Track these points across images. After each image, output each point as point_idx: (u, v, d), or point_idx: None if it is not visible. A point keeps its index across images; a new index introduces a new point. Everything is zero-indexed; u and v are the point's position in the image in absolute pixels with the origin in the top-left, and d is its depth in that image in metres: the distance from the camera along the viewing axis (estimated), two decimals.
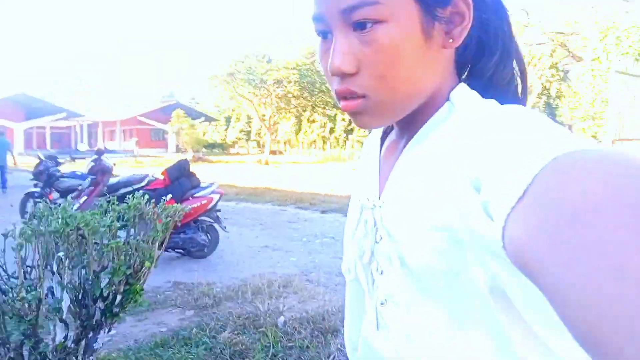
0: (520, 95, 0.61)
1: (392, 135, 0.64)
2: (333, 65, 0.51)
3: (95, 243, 2.02)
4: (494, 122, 0.45)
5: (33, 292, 1.73)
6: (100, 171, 5.32)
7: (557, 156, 0.34)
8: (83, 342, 1.96)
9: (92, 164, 5.31)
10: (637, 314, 0.24)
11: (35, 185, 6.64)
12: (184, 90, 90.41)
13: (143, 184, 5.54)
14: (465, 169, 0.45)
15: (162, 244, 4.03)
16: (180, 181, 5.43)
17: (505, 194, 0.36)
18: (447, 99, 0.56)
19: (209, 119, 41.32)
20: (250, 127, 40.45)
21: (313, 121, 28.49)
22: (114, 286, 2.03)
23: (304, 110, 27.05)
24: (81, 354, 1.95)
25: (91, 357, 2.02)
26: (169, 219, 2.41)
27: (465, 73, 0.61)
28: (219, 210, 5.84)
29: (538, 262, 0.31)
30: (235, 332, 3.20)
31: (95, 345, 2.02)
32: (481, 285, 0.45)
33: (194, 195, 5.44)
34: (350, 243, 0.66)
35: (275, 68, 22.47)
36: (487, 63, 0.58)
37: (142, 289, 2.18)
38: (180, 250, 5.52)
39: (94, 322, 2.01)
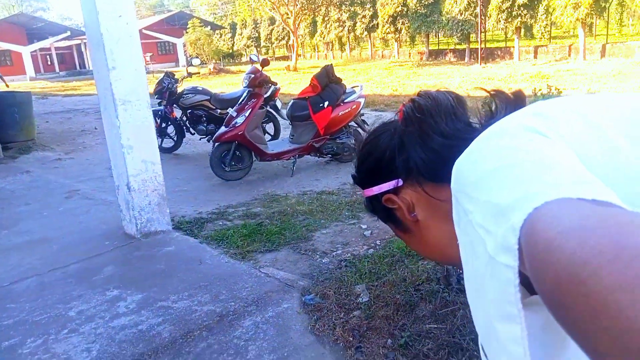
0: (495, 111, 0.67)
1: None
2: None
3: None
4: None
5: None
6: (260, 83, 5.24)
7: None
8: None
9: (252, 76, 5.22)
10: None
11: (159, 104, 6.61)
12: None
13: None
14: None
15: None
16: (331, 87, 5.39)
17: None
18: None
19: (214, 27, 39.62)
20: (258, 33, 38.80)
21: (336, 20, 27.18)
22: None
23: (328, 8, 25.85)
24: None
25: None
26: None
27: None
28: (363, 115, 5.87)
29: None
30: None
31: None
32: None
33: (345, 101, 5.44)
34: None
35: None
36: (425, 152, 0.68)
37: None
38: (330, 156, 5.64)
39: None
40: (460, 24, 20.01)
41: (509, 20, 18.24)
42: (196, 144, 7.16)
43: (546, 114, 0.51)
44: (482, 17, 18.98)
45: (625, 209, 0.34)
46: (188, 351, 2.27)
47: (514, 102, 0.66)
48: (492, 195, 0.42)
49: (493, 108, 0.68)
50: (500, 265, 0.39)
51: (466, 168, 0.50)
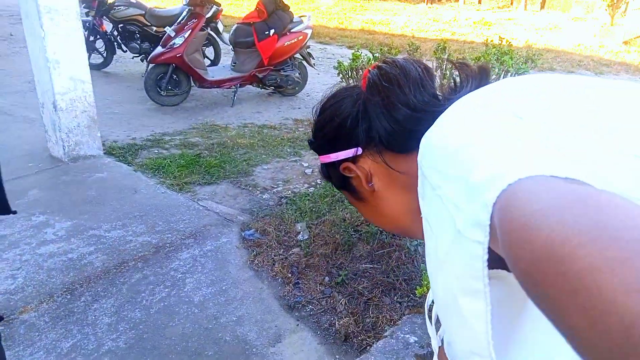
0: (459, 85, 0.66)
1: None
2: None
3: None
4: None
5: None
6: (202, 2, 4.86)
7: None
8: None
9: None
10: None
11: (87, 14, 6.00)
12: None
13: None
14: None
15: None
16: (277, 14, 5.13)
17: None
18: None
19: None
20: None
21: None
22: None
23: None
24: None
25: None
26: None
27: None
28: (309, 47, 5.69)
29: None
30: None
31: None
32: None
33: (291, 31, 5.23)
34: None
35: None
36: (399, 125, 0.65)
37: None
38: (273, 88, 5.48)
39: None
40: None
41: None
42: (128, 62, 6.68)
43: (517, 92, 0.51)
44: None
45: (597, 188, 0.34)
46: (122, 281, 2.22)
47: (479, 76, 0.65)
48: (463, 171, 0.41)
49: (458, 81, 0.66)
50: (469, 241, 0.38)
51: (436, 142, 0.48)
